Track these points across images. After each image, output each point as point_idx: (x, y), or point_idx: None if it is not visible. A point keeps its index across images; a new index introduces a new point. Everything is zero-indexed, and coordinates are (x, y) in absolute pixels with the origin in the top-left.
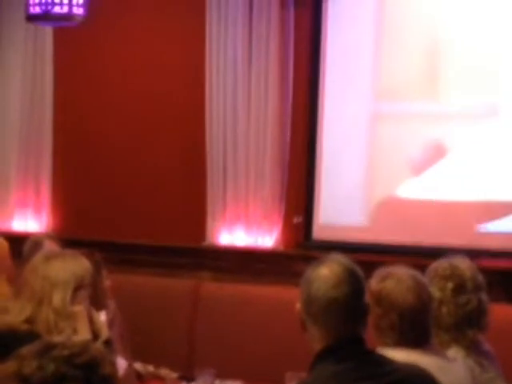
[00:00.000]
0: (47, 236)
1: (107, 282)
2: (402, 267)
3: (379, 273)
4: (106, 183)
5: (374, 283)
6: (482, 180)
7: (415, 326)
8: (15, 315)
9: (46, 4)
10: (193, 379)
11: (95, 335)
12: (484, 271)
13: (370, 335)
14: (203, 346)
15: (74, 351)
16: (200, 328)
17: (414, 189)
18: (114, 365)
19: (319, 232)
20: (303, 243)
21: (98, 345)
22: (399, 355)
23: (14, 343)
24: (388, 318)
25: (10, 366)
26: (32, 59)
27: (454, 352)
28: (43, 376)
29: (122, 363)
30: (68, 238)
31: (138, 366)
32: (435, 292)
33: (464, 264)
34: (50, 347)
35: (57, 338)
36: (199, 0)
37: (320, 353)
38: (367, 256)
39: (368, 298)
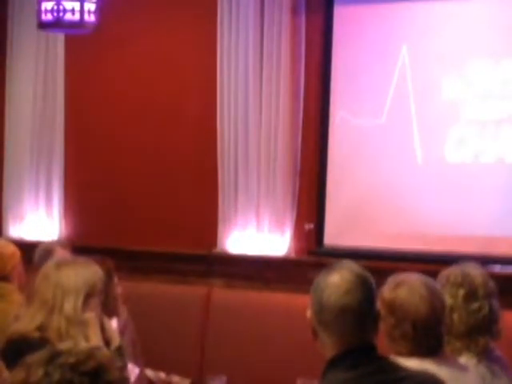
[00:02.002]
0: (58, 243)
1: (119, 289)
2: (414, 274)
3: (391, 281)
4: (118, 190)
5: (386, 292)
6: (494, 187)
7: (429, 335)
8: (27, 323)
9: (58, 11)
10: None
11: (107, 342)
12: (495, 278)
13: (382, 343)
14: (214, 353)
15: (80, 358)
16: (211, 335)
17: (424, 194)
18: (121, 370)
19: (331, 239)
20: (315, 250)
21: (105, 351)
22: (412, 364)
23: (25, 351)
24: (401, 327)
25: (17, 374)
26: (44, 66)
27: (466, 359)
28: (50, 383)
29: (133, 370)
30: (80, 245)
31: (150, 372)
32: (447, 299)
33: (475, 271)
34: (56, 355)
35: (63, 346)
36: (210, 6)
37: (331, 360)
38: (378, 263)
39: (380, 307)
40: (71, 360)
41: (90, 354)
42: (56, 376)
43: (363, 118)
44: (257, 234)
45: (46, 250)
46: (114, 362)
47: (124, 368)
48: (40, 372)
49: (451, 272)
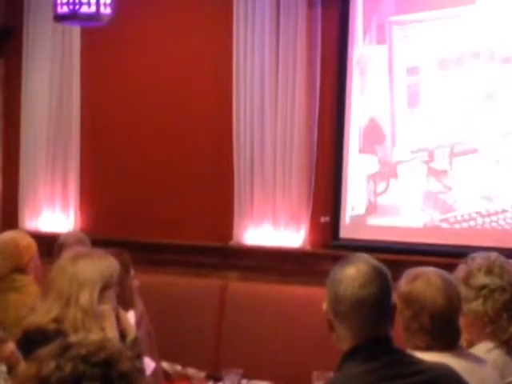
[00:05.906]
0: (75, 235)
1: (135, 281)
2: (430, 267)
3: (408, 274)
4: (134, 183)
5: (403, 284)
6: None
7: (446, 328)
8: (43, 315)
9: (74, 4)
10: (220, 379)
11: (123, 334)
12: None
13: (399, 337)
14: (230, 346)
15: (91, 349)
16: (227, 328)
17: (439, 188)
18: (132, 361)
19: (346, 231)
20: (330, 243)
21: (115, 341)
22: (431, 358)
23: (41, 342)
24: (419, 319)
25: (29, 368)
26: (59, 59)
27: (484, 345)
28: (62, 376)
29: (149, 363)
30: (96, 237)
31: (166, 365)
32: (480, 282)
33: (497, 261)
34: (67, 347)
35: (73, 338)
36: (226, 0)
37: (347, 352)
38: (393, 256)
39: (397, 300)
40: (82, 352)
41: (101, 345)
42: (68, 368)
43: (379, 110)
44: (273, 226)
45: (63, 242)
46: (125, 353)
47: (137, 359)
48: (52, 365)
49: (473, 261)
